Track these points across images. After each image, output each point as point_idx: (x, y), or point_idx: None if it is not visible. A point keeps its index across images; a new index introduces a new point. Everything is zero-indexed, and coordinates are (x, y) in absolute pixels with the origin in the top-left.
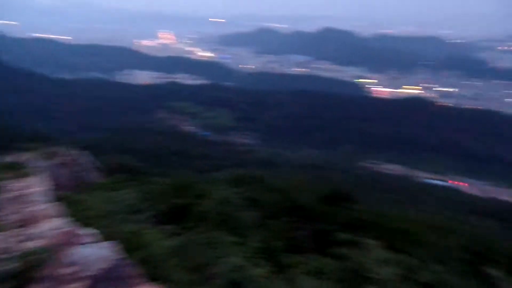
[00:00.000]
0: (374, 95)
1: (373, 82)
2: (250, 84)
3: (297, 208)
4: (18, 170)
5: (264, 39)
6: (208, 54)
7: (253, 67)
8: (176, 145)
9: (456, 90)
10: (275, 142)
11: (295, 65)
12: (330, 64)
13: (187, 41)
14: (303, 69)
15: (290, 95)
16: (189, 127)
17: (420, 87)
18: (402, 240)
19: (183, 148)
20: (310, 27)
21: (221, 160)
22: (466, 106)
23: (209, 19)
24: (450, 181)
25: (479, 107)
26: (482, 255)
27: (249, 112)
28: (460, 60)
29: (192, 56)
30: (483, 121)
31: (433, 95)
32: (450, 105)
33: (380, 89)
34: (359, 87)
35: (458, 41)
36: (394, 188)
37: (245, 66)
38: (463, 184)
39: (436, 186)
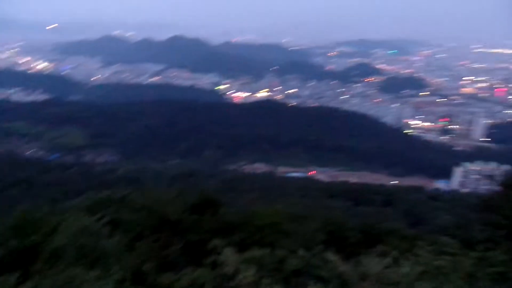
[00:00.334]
0: (233, 101)
1: (230, 88)
2: (100, 97)
3: (166, 224)
4: None
5: (111, 48)
6: (45, 64)
7: (102, 78)
8: (16, 174)
9: (300, 91)
10: (138, 156)
11: (148, 74)
12: (184, 72)
13: (15, 50)
14: (158, 78)
15: (148, 106)
16: (31, 151)
17: (270, 90)
18: (270, 234)
19: (27, 177)
20: (158, 34)
21: (78, 185)
22: (310, 105)
23: (45, 27)
24: (310, 173)
25: (320, 105)
26: (335, 234)
27: (104, 127)
28: (300, 65)
29: (24, 68)
30: (325, 116)
31: (281, 96)
32: (296, 104)
33: (237, 95)
34: (218, 94)
35: (297, 48)
36: (260, 186)
37: (92, 77)
38: (316, 173)
39: (295, 178)
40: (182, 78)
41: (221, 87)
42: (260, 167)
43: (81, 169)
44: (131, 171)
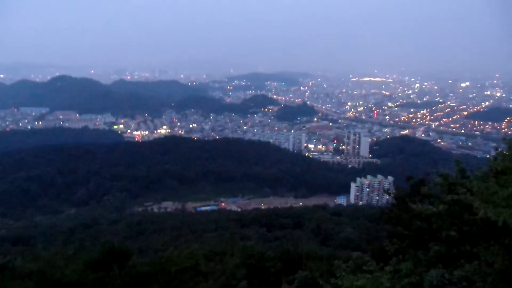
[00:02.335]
0: (133, 140)
1: (127, 127)
2: None
3: None
4: None
5: None
6: None
7: None
8: None
9: (201, 125)
10: (23, 211)
11: (30, 119)
12: (73, 114)
13: None
14: (42, 122)
15: (33, 153)
16: None
17: (170, 126)
18: (189, 279)
19: None
20: (37, 75)
21: None
22: (213, 138)
23: None
24: (223, 204)
25: (223, 137)
26: (257, 266)
27: None
28: (199, 100)
29: None
30: (229, 147)
31: (183, 132)
32: (199, 138)
33: (137, 133)
34: (116, 134)
35: (194, 83)
36: (171, 225)
37: None
38: (226, 204)
39: (207, 212)
40: (71, 120)
41: (118, 126)
42: (168, 205)
43: None
44: (16, 230)
